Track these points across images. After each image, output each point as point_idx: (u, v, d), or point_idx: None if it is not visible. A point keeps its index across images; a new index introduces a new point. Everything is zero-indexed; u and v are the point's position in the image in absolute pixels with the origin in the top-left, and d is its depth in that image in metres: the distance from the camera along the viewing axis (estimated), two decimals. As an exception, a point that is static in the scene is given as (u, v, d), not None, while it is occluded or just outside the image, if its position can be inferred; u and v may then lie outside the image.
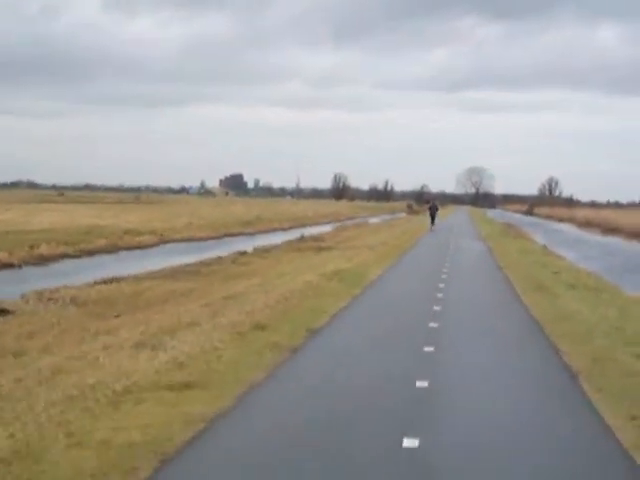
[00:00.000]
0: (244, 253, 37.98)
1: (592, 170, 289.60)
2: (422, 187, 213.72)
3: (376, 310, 18.49)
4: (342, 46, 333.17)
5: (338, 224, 78.53)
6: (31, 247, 35.35)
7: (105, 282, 25.37)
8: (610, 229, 79.28)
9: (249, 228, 63.78)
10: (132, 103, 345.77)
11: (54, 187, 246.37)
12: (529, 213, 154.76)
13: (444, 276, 26.47)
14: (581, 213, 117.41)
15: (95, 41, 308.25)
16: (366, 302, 19.76)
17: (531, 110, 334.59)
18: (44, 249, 35.51)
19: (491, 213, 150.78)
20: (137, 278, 26.95)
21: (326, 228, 69.37)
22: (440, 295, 21.20)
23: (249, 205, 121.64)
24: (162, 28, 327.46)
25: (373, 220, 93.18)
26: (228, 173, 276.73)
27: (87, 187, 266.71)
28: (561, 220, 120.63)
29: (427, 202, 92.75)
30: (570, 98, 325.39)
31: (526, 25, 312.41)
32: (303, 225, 76.68)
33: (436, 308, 18.29)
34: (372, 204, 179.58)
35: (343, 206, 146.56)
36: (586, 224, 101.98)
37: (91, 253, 38.47)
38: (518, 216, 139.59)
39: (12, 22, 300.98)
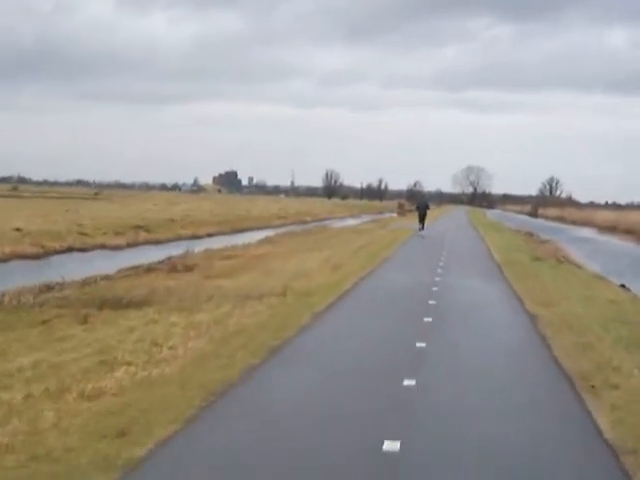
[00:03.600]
0: None
1: (590, 171, 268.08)
2: (415, 184, 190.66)
3: None
4: (351, 45, 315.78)
5: (290, 228, 54.19)
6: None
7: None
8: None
9: (138, 236, 39.40)
10: (136, 100, 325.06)
11: (46, 183, 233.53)
12: (533, 215, 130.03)
13: None
14: (600, 216, 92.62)
15: (104, 38, 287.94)
16: None
17: (535, 111, 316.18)
18: None
19: (491, 214, 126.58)
20: None
21: (266, 234, 45.16)
22: None
23: (217, 203, 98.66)
24: (172, 25, 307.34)
25: (349, 222, 69.15)
26: (223, 170, 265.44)
27: (79, 183, 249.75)
28: (574, 223, 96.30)
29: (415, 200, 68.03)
30: (575, 99, 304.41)
31: (535, 26, 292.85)
32: (241, 230, 52.92)
33: None
34: (362, 203, 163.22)
35: (326, 205, 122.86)
36: (610, 229, 77.78)
37: None
38: (522, 218, 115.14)
39: (23, 19, 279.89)
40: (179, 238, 42.26)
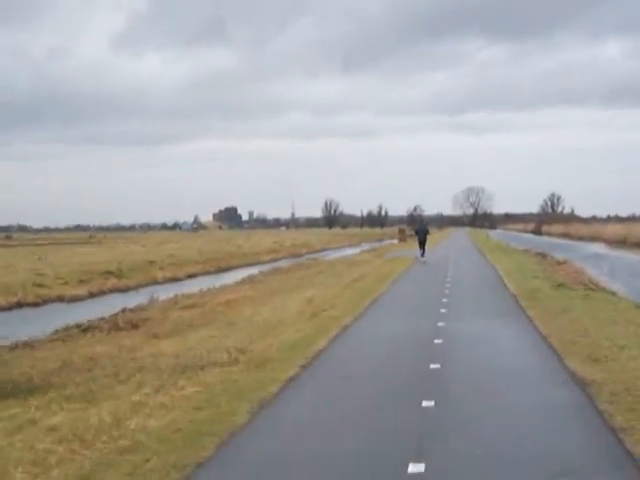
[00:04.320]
0: None
1: (590, 185, 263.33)
2: (415, 208, 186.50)
3: None
4: (346, 75, 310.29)
5: (281, 264, 49.56)
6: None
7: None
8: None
9: (105, 283, 34.70)
10: (133, 142, 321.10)
11: (45, 230, 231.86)
12: (537, 232, 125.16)
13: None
14: (608, 230, 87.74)
15: (98, 82, 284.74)
16: None
17: (532, 129, 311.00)
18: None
19: (494, 234, 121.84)
20: None
21: (251, 272, 40.47)
22: None
23: (210, 240, 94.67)
24: (165, 65, 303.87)
25: (345, 252, 64.46)
26: (223, 206, 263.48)
27: (78, 228, 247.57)
28: (581, 238, 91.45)
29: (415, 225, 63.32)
30: (571, 115, 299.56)
31: (528, 46, 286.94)
32: (228, 268, 48.53)
33: None
34: (362, 231, 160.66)
35: (324, 235, 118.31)
36: (619, 243, 73.07)
37: None
38: (527, 236, 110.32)
39: (18, 64, 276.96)
40: (154, 282, 37.60)
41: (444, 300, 19.63)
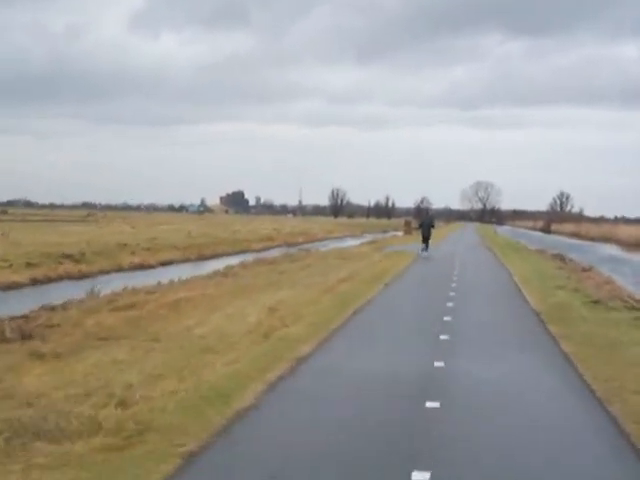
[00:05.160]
0: None
1: (599, 186, 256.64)
2: (422, 201, 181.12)
3: None
4: (363, 65, 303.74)
5: (269, 253, 44.52)
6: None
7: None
8: None
9: (57, 268, 29.70)
10: (148, 122, 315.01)
11: (50, 206, 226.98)
12: (546, 231, 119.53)
13: None
14: (622, 231, 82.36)
15: (116, 61, 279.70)
16: None
17: (545, 126, 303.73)
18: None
19: (502, 231, 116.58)
20: None
21: (233, 262, 35.46)
22: None
23: (207, 224, 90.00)
24: (184, 46, 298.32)
25: (346, 243, 59.47)
26: (230, 191, 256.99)
27: (84, 205, 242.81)
28: (592, 239, 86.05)
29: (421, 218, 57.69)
30: (585, 114, 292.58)
31: (546, 42, 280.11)
32: (211, 256, 43.75)
33: None
34: (368, 221, 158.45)
35: (328, 224, 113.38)
36: (636, 246, 67.84)
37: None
38: (536, 235, 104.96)
39: (35, 40, 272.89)
40: (118, 269, 32.59)
41: (446, 318, 14.56)
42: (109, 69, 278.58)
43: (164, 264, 37.49)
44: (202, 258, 42.69)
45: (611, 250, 63.66)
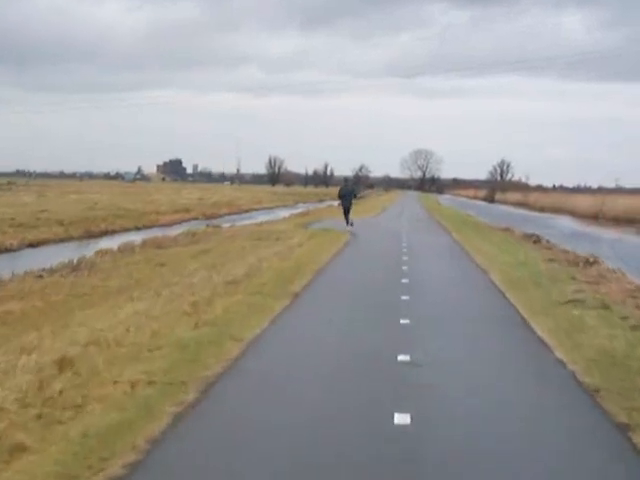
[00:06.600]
0: None
1: (538, 155, 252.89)
2: (360, 169, 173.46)
3: None
4: (306, 32, 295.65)
5: (173, 230, 35.92)
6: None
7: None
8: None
9: None
10: (87, 89, 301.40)
11: None
12: (490, 200, 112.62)
13: None
14: (576, 201, 75.26)
15: (56, 26, 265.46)
16: None
17: (487, 96, 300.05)
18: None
19: (444, 200, 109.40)
20: None
21: (109, 245, 26.80)
22: None
23: (123, 193, 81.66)
24: (128, 14, 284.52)
25: (273, 215, 51.02)
26: (168, 159, 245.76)
27: (18, 173, 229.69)
28: (542, 210, 79.04)
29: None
30: (526, 84, 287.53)
31: (490, 11, 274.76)
32: (102, 233, 34.97)
33: None
34: (305, 189, 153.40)
35: (260, 193, 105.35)
36: (592, 218, 60.87)
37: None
38: (480, 204, 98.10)
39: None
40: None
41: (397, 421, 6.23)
42: (49, 35, 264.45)
43: (32, 245, 28.98)
44: (90, 236, 34.03)
45: (569, 222, 56.41)
